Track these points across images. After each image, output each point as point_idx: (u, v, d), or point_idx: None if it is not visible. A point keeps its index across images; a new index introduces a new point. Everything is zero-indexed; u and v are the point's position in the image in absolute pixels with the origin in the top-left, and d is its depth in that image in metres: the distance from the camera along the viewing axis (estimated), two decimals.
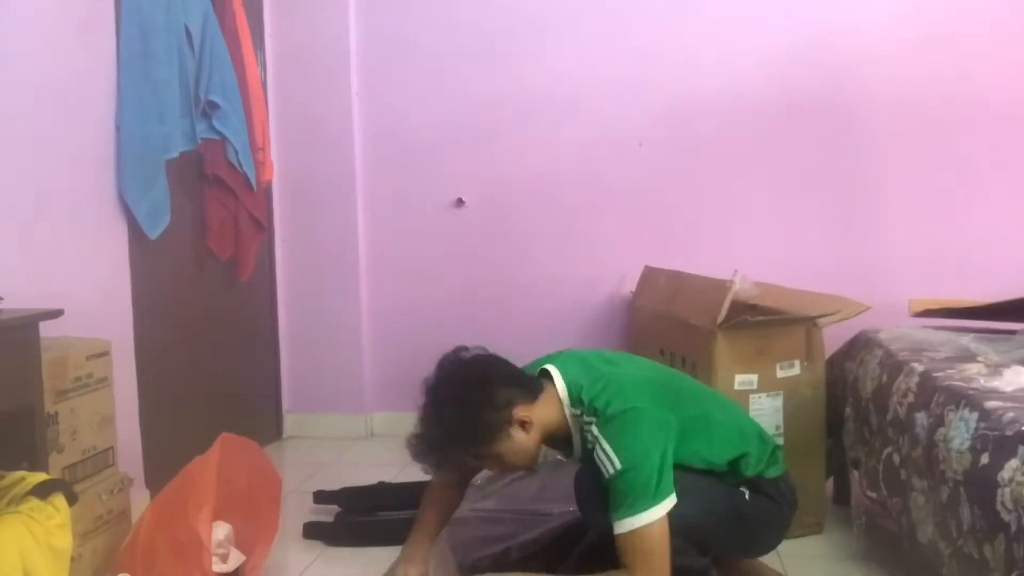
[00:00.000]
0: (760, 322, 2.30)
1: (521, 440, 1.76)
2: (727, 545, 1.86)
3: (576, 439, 1.82)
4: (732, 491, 1.81)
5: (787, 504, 1.88)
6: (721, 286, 2.33)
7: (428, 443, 1.75)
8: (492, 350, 3.06)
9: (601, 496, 1.71)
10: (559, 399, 1.81)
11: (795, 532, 2.27)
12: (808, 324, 2.35)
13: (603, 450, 1.69)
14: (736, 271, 2.36)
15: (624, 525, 1.64)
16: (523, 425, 1.76)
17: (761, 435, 1.90)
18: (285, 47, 3.54)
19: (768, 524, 1.87)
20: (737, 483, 1.82)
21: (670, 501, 1.66)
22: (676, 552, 1.66)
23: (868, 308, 2.51)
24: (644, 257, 3.28)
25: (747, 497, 1.82)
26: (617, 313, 3.44)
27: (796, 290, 2.60)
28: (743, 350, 2.29)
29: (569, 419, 1.81)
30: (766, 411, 2.31)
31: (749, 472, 1.82)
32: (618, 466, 1.66)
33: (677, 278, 2.84)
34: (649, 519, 1.63)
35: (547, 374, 1.85)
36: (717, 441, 1.81)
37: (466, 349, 1.86)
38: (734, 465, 1.82)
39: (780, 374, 2.33)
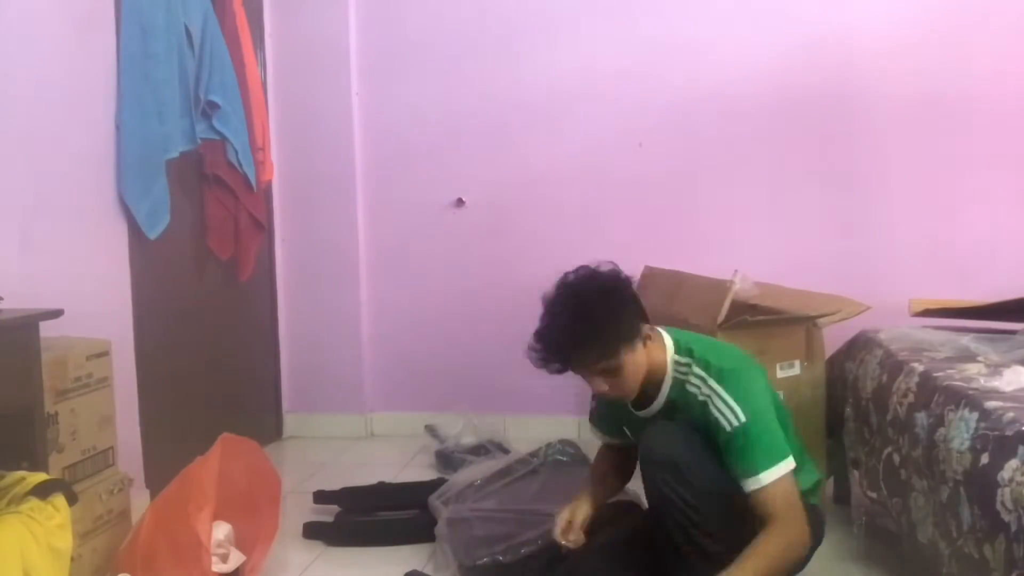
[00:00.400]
0: (760, 322, 2.30)
1: (640, 359, 1.73)
2: None
3: (663, 394, 1.78)
4: None
5: (818, 534, 1.82)
6: (721, 286, 2.33)
7: (563, 338, 1.70)
8: (492, 350, 3.06)
9: (703, 452, 1.68)
10: (665, 343, 1.79)
11: None
12: (808, 324, 2.35)
13: (723, 401, 1.67)
14: (736, 271, 2.36)
15: (763, 477, 1.61)
16: (646, 342, 1.74)
17: (809, 460, 1.89)
18: (285, 47, 3.54)
19: None
20: None
21: (792, 459, 1.66)
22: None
23: (868, 308, 2.51)
24: (644, 257, 3.26)
25: None
26: None
27: (796, 290, 2.60)
28: (743, 350, 2.28)
29: (670, 366, 1.78)
30: None
31: (803, 487, 1.77)
32: (743, 419, 1.65)
33: (677, 278, 2.83)
34: (786, 468, 1.63)
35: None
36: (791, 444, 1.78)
37: (586, 267, 1.82)
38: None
39: (780, 374, 2.33)
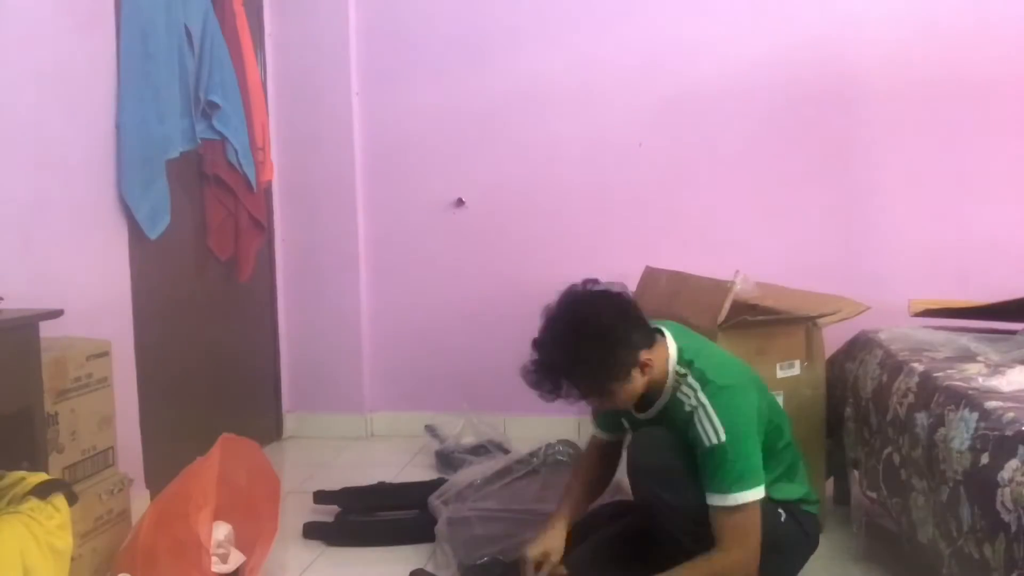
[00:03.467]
0: (760, 322, 2.30)
1: (637, 383, 1.76)
2: None
3: (662, 400, 1.80)
4: (771, 507, 1.78)
5: (811, 541, 1.88)
6: (722, 286, 2.33)
7: (552, 370, 1.72)
8: (492, 350, 3.06)
9: (682, 465, 1.70)
10: (668, 354, 1.80)
11: None
12: (808, 324, 2.35)
13: (708, 417, 1.69)
14: (738, 271, 2.35)
15: (729, 499, 1.64)
16: (643, 369, 1.75)
17: (807, 473, 1.92)
18: (285, 47, 3.54)
19: (793, 551, 1.87)
20: (776, 503, 1.80)
21: (763, 490, 1.67)
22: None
23: (868, 308, 2.51)
24: (644, 257, 3.27)
25: (782, 519, 1.80)
26: None
27: (796, 290, 2.60)
28: (743, 350, 2.28)
29: (671, 375, 1.79)
30: None
31: (794, 496, 1.82)
32: (722, 437, 1.66)
33: (678, 278, 2.83)
34: (753, 497, 1.65)
35: (658, 329, 1.84)
36: (775, 453, 1.81)
37: (595, 281, 1.83)
38: (785, 485, 1.82)
39: (780, 374, 2.33)
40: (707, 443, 1.68)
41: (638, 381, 1.76)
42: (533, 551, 1.86)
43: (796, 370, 2.34)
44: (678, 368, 1.79)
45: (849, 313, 2.45)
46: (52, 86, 2.24)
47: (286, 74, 3.54)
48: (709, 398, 1.71)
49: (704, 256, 3.10)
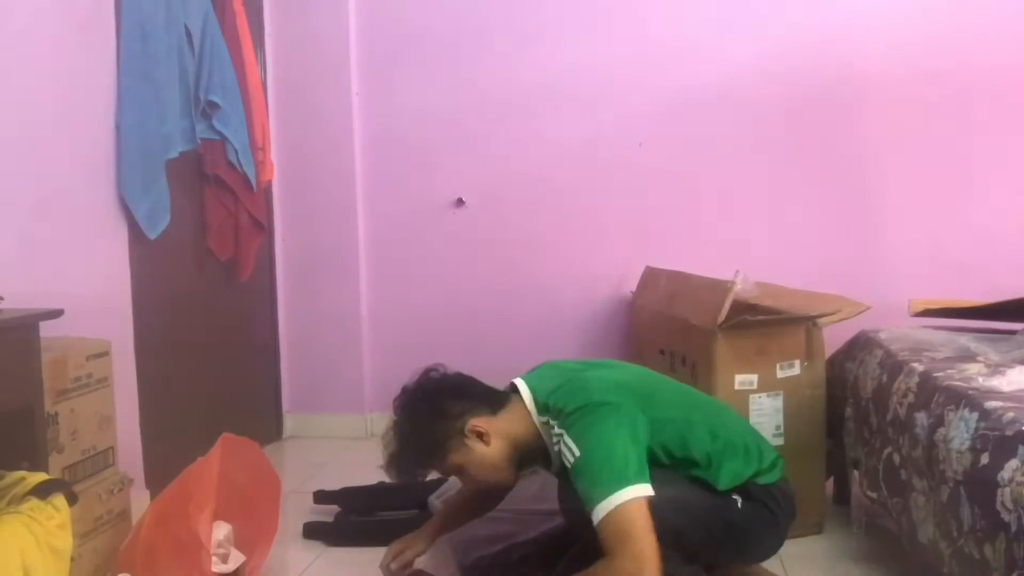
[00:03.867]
0: (760, 322, 2.30)
1: (482, 452, 1.76)
2: (720, 553, 1.83)
3: (552, 450, 1.76)
4: (724, 499, 1.75)
5: (782, 512, 1.83)
6: (721, 286, 2.33)
7: (394, 459, 1.79)
8: (492, 350, 3.06)
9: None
10: (527, 410, 1.79)
11: (795, 532, 2.27)
12: (808, 324, 2.35)
13: (565, 444, 1.67)
14: (738, 271, 2.35)
15: (597, 512, 1.57)
16: (480, 436, 1.75)
17: (758, 444, 1.86)
18: (285, 47, 3.54)
19: (762, 532, 1.83)
20: (729, 491, 1.77)
21: (642, 487, 1.58)
22: (661, 559, 1.57)
23: (868, 308, 2.51)
24: (644, 257, 3.28)
25: (739, 505, 1.77)
26: (617, 313, 3.44)
27: (796, 290, 2.60)
28: (743, 350, 2.29)
29: (540, 428, 1.78)
30: (766, 411, 2.31)
31: (745, 474, 1.78)
32: (577, 453, 1.63)
33: (679, 278, 2.84)
34: (620, 499, 1.55)
35: (515, 387, 1.84)
36: (694, 446, 1.75)
37: (435, 369, 1.90)
38: (713, 472, 1.76)
39: (780, 374, 2.33)
40: (569, 465, 1.65)
41: (482, 451, 1.76)
42: (392, 547, 1.97)
43: (796, 370, 2.34)
44: (541, 419, 1.78)
45: (849, 313, 2.44)
46: (52, 86, 2.24)
47: (286, 74, 3.55)
48: (562, 427, 1.69)
49: (704, 256, 3.11)
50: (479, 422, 1.76)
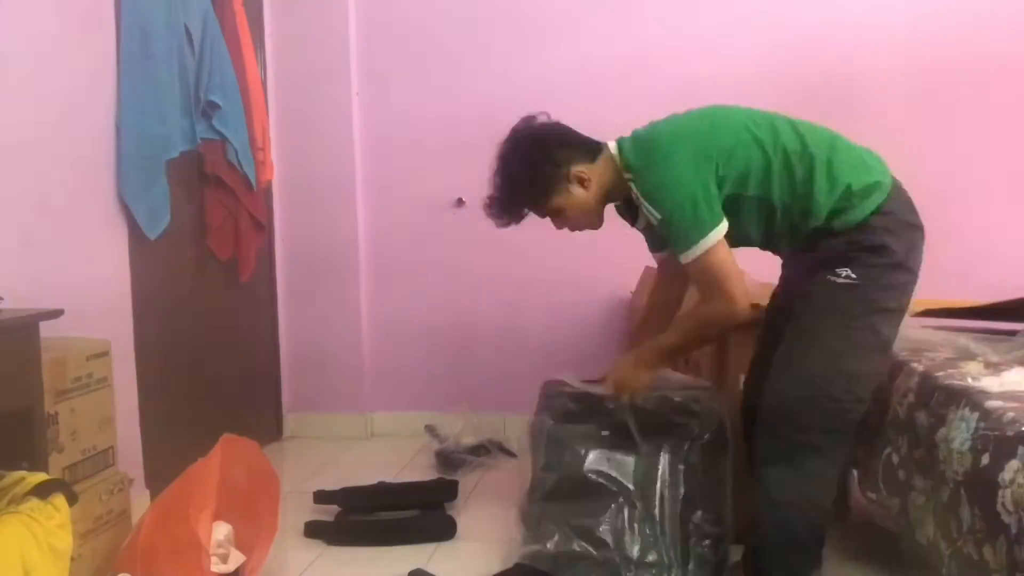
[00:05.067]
0: None
1: (581, 196, 1.92)
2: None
3: (638, 206, 1.90)
4: (861, 332, 1.79)
5: (901, 254, 1.80)
6: None
7: (498, 200, 1.96)
8: (492, 349, 3.05)
9: None
10: (615, 163, 1.92)
11: None
12: None
13: (646, 206, 1.83)
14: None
15: (686, 256, 1.80)
16: (581, 182, 1.91)
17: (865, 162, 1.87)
18: (285, 47, 3.54)
19: (894, 311, 1.83)
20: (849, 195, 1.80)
21: (718, 229, 1.77)
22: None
23: None
24: (645, 256, 3.26)
25: (875, 326, 1.79)
26: (617, 313, 3.44)
27: None
28: (750, 349, 2.28)
29: (628, 182, 1.90)
30: None
31: (867, 180, 1.82)
32: (658, 215, 1.80)
33: None
34: (705, 245, 1.76)
35: (601, 145, 1.97)
36: (799, 161, 1.81)
37: (531, 118, 2.01)
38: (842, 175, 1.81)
39: None
40: (655, 223, 1.84)
41: (581, 195, 1.92)
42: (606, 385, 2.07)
43: None
44: (627, 175, 1.90)
45: None
46: (52, 86, 2.24)
47: (286, 74, 3.55)
48: (638, 187, 1.85)
49: None
50: (582, 169, 1.91)
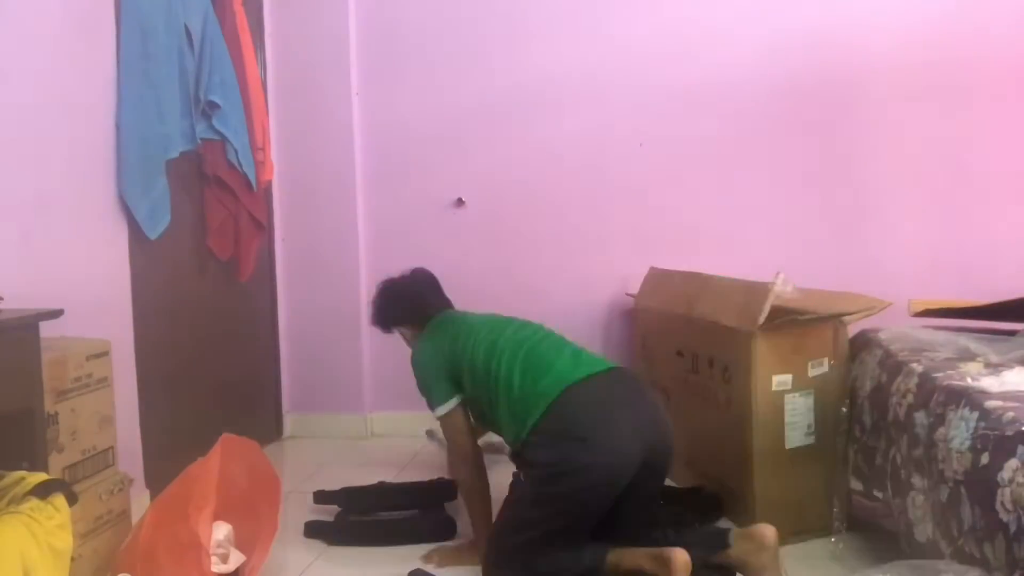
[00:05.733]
0: (798, 322, 2.29)
1: (409, 337, 2.56)
2: (558, 522, 1.98)
3: None
4: (522, 489, 2.10)
5: (565, 455, 1.97)
6: (757, 287, 2.33)
7: (374, 314, 2.60)
8: None
9: None
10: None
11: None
12: (836, 322, 2.36)
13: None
14: (779, 272, 2.36)
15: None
16: (404, 335, 2.58)
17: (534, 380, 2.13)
18: (285, 47, 3.54)
19: (542, 503, 2.00)
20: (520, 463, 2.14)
21: (450, 403, 2.26)
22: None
23: (891, 304, 2.51)
24: (645, 256, 3.27)
25: (522, 479, 2.13)
26: (617, 313, 3.44)
27: (814, 289, 2.59)
28: (780, 350, 2.29)
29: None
30: (800, 411, 2.33)
31: (518, 436, 2.08)
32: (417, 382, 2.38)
33: (696, 279, 2.79)
34: (439, 413, 2.28)
35: (430, 317, 2.51)
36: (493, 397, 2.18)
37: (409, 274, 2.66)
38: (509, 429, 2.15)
39: (811, 372, 2.34)
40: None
41: (409, 337, 2.55)
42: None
43: (825, 367, 2.35)
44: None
45: (875, 309, 2.45)
46: (52, 86, 2.24)
47: (286, 74, 3.55)
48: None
49: (704, 256, 3.11)
50: (404, 330, 2.58)
